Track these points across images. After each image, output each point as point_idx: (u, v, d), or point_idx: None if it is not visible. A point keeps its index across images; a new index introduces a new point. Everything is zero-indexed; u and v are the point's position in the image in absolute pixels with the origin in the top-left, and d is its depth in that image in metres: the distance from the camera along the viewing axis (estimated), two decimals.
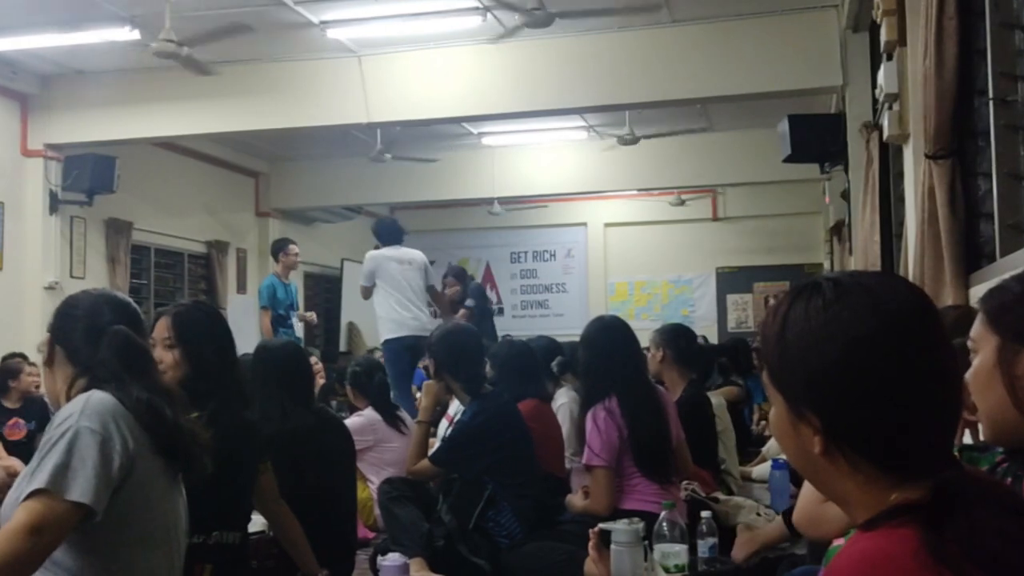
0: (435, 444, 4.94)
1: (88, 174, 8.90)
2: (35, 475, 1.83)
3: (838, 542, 1.62)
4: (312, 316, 8.97)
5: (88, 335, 2.10)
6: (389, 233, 7.76)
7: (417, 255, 7.74)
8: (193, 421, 2.14)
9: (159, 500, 2.03)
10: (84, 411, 1.90)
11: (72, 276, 9.30)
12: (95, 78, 8.69)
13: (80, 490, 1.81)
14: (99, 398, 1.95)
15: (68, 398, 2.03)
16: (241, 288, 11.97)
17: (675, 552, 2.94)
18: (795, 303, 1.08)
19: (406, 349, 7.17)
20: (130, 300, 2.32)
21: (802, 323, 1.05)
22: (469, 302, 8.66)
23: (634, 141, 10.30)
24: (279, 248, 8.54)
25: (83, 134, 8.83)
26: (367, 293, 7.63)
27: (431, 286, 7.69)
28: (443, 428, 5.27)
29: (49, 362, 2.18)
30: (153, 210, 10.69)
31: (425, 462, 3.95)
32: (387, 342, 7.47)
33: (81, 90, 8.78)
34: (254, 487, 3.00)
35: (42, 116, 8.89)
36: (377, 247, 7.74)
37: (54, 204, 8.98)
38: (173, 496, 2.10)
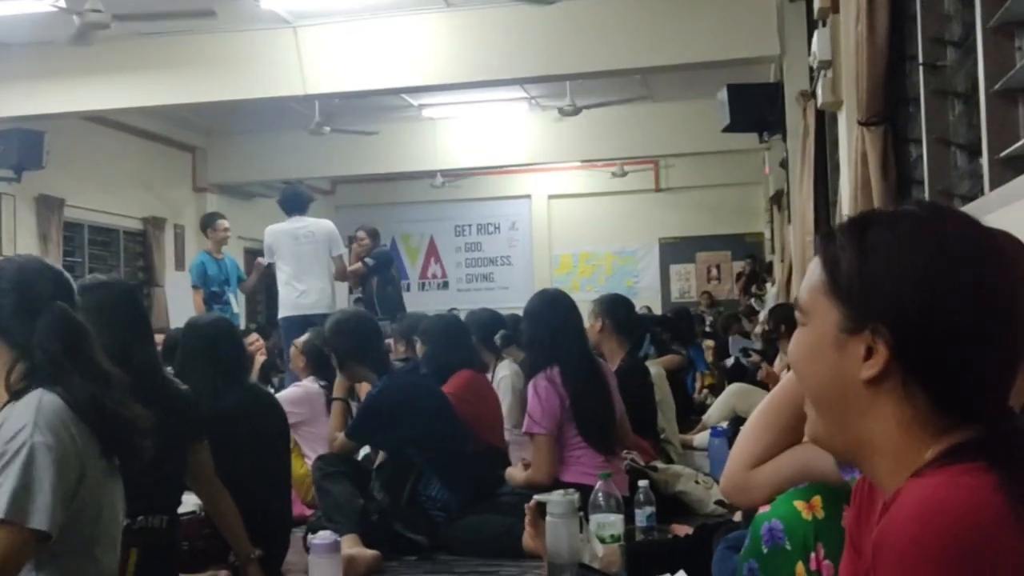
0: None
1: (15, 150, 8.69)
2: None
3: (764, 510, 1.61)
4: (261, 260, 8.05)
5: (20, 312, 1.94)
6: (291, 202, 7.33)
7: (320, 225, 7.31)
8: (136, 407, 1.99)
9: (104, 502, 1.92)
10: (37, 423, 1.77)
11: (1, 255, 9.06)
12: (19, 50, 8.39)
13: (39, 516, 1.72)
14: (50, 405, 1.81)
15: (8, 387, 1.89)
16: (179, 265, 11.78)
17: (611, 522, 2.92)
18: (875, 219, 1.04)
19: (295, 328, 6.72)
20: (60, 268, 2.16)
21: (890, 234, 1.01)
22: (368, 260, 8.14)
23: (575, 112, 10.27)
24: (207, 224, 8.31)
25: (8, 108, 8.53)
26: (272, 268, 7.36)
27: (335, 257, 7.27)
28: None
29: None
30: (86, 186, 10.45)
31: (341, 437, 3.91)
32: (281, 320, 7.26)
33: (7, 63, 8.48)
34: (185, 468, 2.93)
35: None
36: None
37: None
38: (114, 491, 1.98)
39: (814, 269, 1.08)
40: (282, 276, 7.22)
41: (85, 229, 10.76)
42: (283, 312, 7.23)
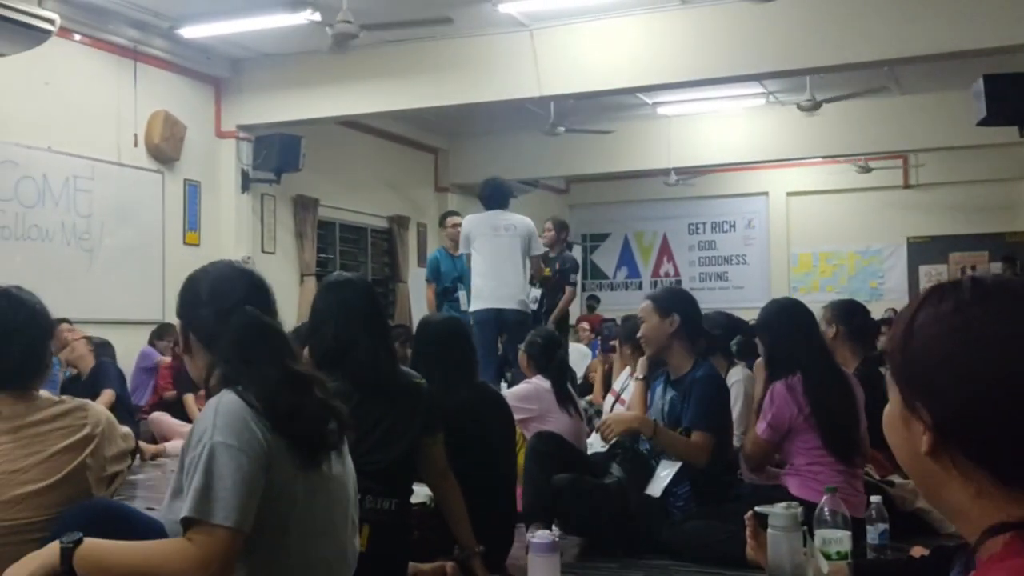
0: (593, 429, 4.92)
1: (276, 153, 9.32)
2: (184, 499, 1.81)
3: None
4: None
5: (219, 319, 2.03)
6: (491, 196, 7.18)
7: (520, 221, 7.13)
8: (324, 399, 2.01)
9: (299, 496, 1.92)
10: (215, 424, 1.84)
11: (264, 251, 9.78)
12: (281, 60, 9.08)
13: (222, 513, 1.77)
14: (227, 406, 1.87)
15: (208, 389, 2.02)
16: (421, 262, 12.27)
17: (837, 538, 2.81)
18: (930, 297, 1.06)
19: (488, 322, 6.69)
20: (253, 270, 2.22)
21: (932, 315, 1.03)
22: (573, 278, 7.86)
23: (816, 107, 9.90)
24: (441, 221, 8.60)
25: (271, 115, 9.26)
26: (467, 260, 7.18)
27: (533, 257, 7.12)
28: (608, 404, 5.23)
29: (186, 350, 2.14)
30: (337, 187, 11.11)
31: (704, 437, 3.68)
32: (471, 313, 7.03)
33: (269, 72, 9.21)
34: (416, 457, 3.04)
35: (234, 99, 9.37)
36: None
37: (245, 183, 9.48)
38: (315, 484, 1.96)
39: None
40: (476, 268, 7.03)
41: (336, 227, 11.44)
42: (475, 305, 7.01)
